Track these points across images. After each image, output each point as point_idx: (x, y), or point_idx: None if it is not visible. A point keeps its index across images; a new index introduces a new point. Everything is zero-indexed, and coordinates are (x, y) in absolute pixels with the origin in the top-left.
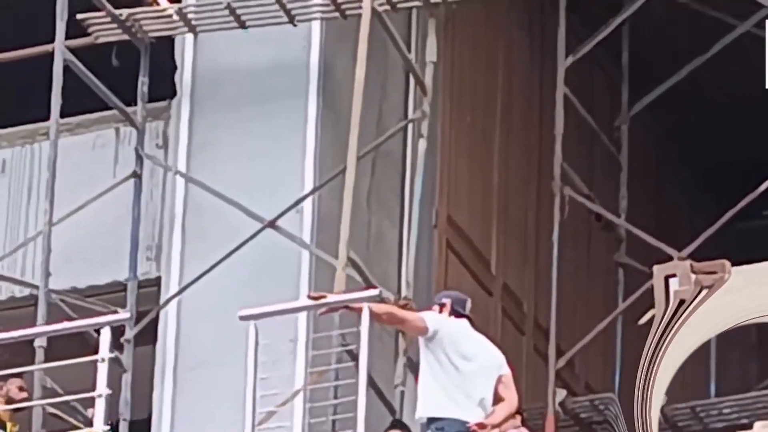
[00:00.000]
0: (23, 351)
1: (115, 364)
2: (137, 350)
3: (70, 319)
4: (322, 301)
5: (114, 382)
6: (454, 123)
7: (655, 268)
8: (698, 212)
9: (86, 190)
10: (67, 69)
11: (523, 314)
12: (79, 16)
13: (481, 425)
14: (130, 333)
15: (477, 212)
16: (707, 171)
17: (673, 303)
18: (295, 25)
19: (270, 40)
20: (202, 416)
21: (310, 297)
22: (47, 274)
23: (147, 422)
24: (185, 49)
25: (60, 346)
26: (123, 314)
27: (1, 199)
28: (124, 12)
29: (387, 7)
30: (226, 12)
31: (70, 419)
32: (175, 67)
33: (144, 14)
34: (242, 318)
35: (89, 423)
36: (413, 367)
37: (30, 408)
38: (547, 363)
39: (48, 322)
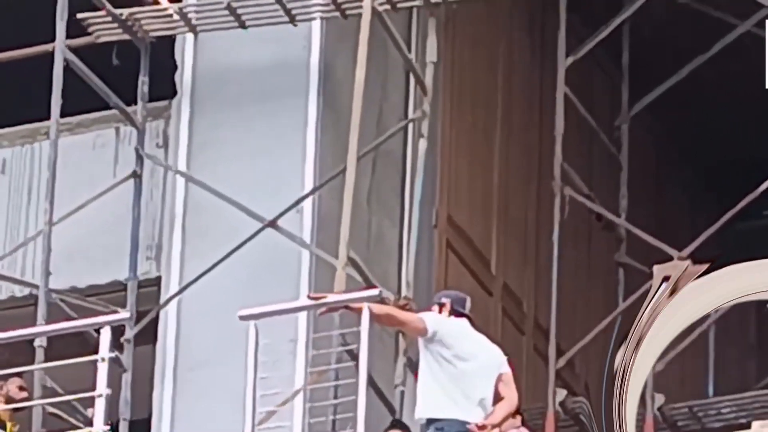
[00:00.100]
0: (23, 350)
1: (115, 363)
2: (137, 350)
3: (70, 318)
4: (322, 301)
5: (114, 382)
6: (455, 123)
7: (655, 268)
8: (699, 212)
9: (86, 189)
10: (67, 68)
11: (523, 314)
12: (79, 16)
13: (482, 426)
14: (130, 333)
15: (477, 212)
16: (707, 171)
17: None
18: (295, 25)
19: (270, 39)
20: (202, 416)
21: (310, 297)
22: (47, 274)
23: (147, 422)
24: (185, 48)
25: (60, 346)
26: (123, 314)
27: (1, 199)
28: (125, 11)
29: (387, 6)
30: (227, 11)
31: (70, 419)
32: (175, 67)
33: (144, 14)
34: (242, 318)
35: (89, 423)
36: (413, 367)
37: (30, 408)
38: (547, 363)
39: (48, 322)
